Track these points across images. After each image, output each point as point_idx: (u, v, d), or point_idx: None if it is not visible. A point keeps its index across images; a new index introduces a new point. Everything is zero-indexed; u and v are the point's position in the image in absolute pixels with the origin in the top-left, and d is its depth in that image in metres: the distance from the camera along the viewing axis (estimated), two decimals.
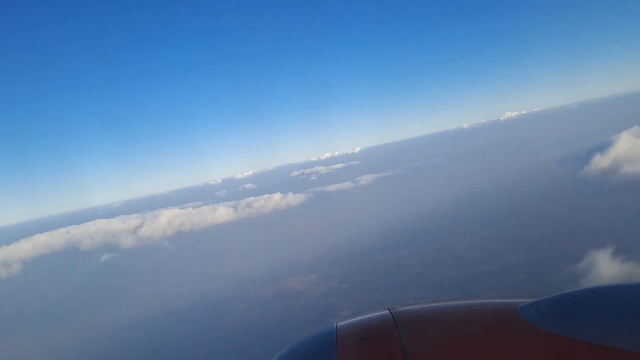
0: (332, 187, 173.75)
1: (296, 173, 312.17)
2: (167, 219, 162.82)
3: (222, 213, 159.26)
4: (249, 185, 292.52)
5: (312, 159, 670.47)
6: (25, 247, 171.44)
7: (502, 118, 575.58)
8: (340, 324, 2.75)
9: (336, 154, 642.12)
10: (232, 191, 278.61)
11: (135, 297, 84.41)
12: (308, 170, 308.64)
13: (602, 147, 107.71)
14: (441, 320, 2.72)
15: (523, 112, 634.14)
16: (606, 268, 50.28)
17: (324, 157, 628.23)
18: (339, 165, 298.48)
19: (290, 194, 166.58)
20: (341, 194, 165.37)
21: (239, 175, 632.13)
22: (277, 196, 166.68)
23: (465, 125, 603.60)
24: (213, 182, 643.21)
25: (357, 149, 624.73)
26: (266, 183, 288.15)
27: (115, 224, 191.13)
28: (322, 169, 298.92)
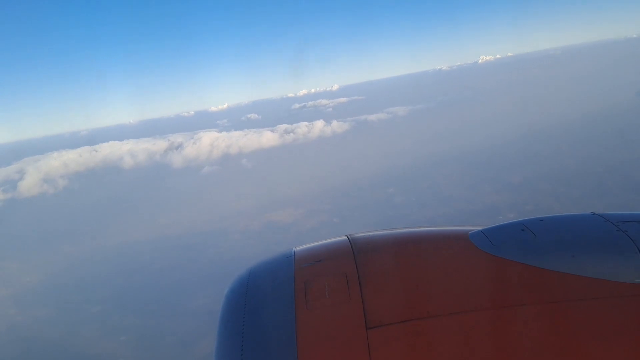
0: (372, 117, 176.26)
1: (297, 106, 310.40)
2: (210, 142, 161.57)
3: (269, 137, 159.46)
4: (253, 115, 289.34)
5: (289, 95, 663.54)
6: (54, 164, 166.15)
7: (479, 61, 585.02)
8: (298, 248, 2.90)
9: (312, 90, 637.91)
10: (235, 121, 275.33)
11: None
12: (310, 103, 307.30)
13: None
14: (396, 244, 2.96)
15: (498, 56, 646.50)
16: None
17: (301, 94, 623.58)
18: (342, 99, 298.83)
19: (335, 122, 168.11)
20: (383, 124, 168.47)
21: (213, 108, 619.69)
22: (319, 123, 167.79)
23: (443, 67, 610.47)
24: (185, 114, 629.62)
25: (336, 86, 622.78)
26: (269, 114, 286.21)
27: (143, 145, 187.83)
28: (325, 101, 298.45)
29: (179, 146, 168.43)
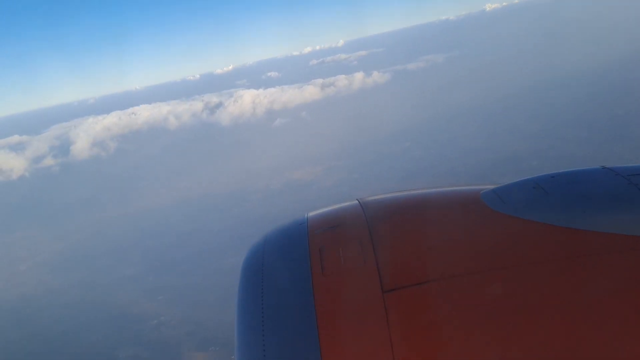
0: (411, 66, 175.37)
1: (315, 61, 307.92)
2: (251, 99, 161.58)
3: (312, 92, 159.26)
4: (273, 74, 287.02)
5: (294, 53, 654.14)
6: (96, 128, 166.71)
7: (487, 9, 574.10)
8: (311, 214, 2.92)
9: (317, 47, 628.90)
10: (255, 80, 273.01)
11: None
12: (329, 59, 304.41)
13: None
14: (406, 207, 2.95)
15: (504, 3, 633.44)
16: None
17: (306, 51, 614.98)
18: (362, 52, 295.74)
19: (375, 73, 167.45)
20: (424, 72, 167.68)
21: (219, 70, 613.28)
22: (359, 75, 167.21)
23: (450, 17, 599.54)
24: (191, 78, 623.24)
25: (341, 42, 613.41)
26: (289, 72, 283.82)
27: (180, 106, 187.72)
28: (344, 56, 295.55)
29: (218, 105, 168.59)
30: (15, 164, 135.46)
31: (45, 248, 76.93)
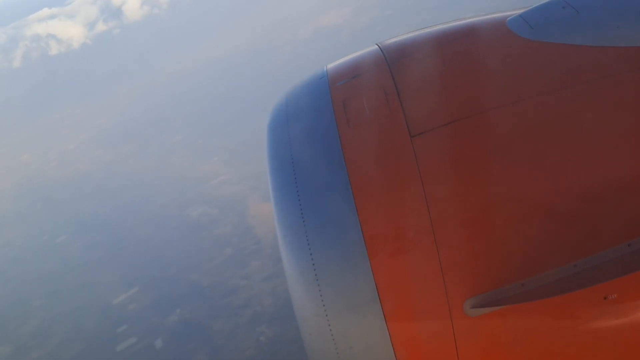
0: None
1: None
2: None
3: None
4: None
5: None
6: None
7: None
8: (329, 66, 2.68)
9: None
10: None
11: None
12: None
13: None
14: (430, 45, 2.67)
15: None
16: None
17: None
18: None
19: None
20: None
21: None
22: None
23: None
24: None
25: None
26: None
27: None
28: None
29: None
30: (73, 32, 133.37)
31: (100, 120, 76.40)
